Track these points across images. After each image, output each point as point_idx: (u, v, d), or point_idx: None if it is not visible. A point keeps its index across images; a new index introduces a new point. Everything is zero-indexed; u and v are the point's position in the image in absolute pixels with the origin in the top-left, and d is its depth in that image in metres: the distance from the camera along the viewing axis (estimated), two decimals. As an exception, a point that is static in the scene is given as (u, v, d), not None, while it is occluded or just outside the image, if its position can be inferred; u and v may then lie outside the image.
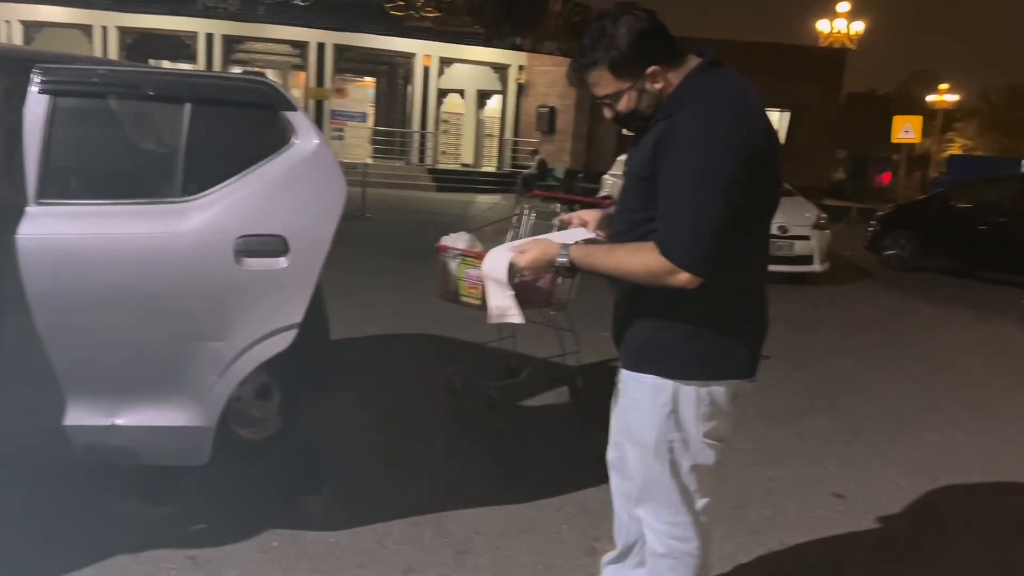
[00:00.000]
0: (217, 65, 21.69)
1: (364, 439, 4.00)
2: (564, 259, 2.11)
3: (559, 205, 5.28)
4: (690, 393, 2.10)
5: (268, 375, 3.40)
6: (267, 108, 2.73)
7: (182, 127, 2.69)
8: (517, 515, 3.32)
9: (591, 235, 2.24)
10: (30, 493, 3.14)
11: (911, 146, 23.47)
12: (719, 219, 1.91)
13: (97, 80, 2.70)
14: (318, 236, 2.66)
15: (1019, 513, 3.86)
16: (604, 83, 2.06)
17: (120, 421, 2.68)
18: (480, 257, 4.28)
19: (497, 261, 2.32)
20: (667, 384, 2.10)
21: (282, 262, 2.65)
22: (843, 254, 12.24)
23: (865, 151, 36.64)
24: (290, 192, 2.69)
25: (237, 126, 2.81)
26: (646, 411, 2.15)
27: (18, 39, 20.87)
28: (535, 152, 22.41)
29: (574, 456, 3.91)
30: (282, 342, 2.68)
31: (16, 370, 2.60)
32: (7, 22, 21.12)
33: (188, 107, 2.69)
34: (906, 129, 17.83)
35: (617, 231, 2.19)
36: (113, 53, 21.26)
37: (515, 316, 2.35)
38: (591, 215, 2.33)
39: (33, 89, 2.62)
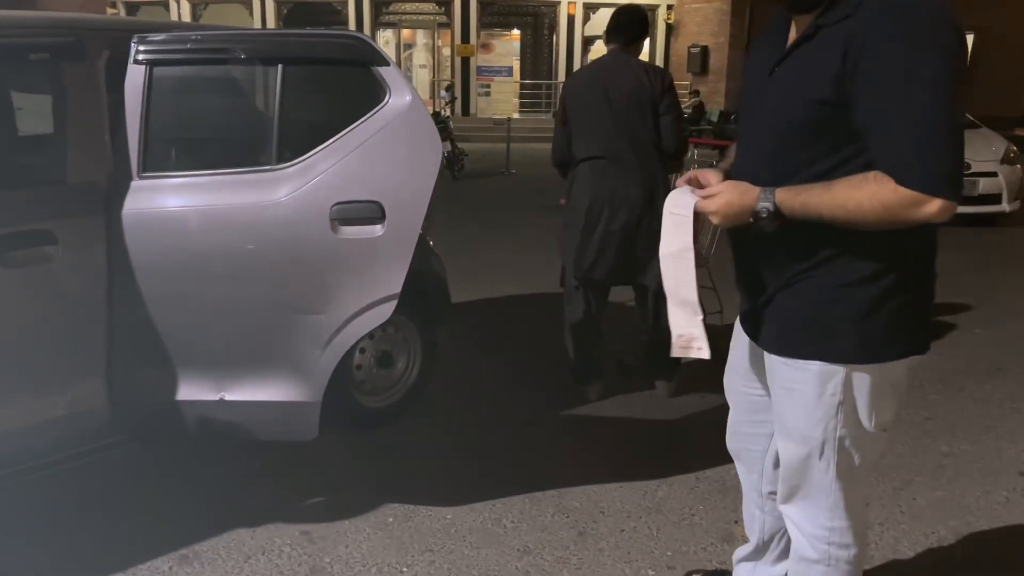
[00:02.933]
0: (367, 28, 22.11)
1: (483, 407, 3.85)
2: (767, 204, 1.66)
3: (695, 152, 4.86)
4: (865, 379, 1.73)
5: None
6: (360, 64, 2.55)
7: (275, 90, 2.57)
8: (646, 493, 3.07)
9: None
10: (153, 464, 3.22)
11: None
12: (960, 134, 1.54)
13: (190, 47, 2.61)
14: (414, 201, 2.48)
15: None
16: None
17: (229, 396, 2.64)
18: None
19: (678, 228, 1.81)
20: (838, 370, 1.72)
21: (378, 229, 2.50)
22: (1039, 191, 10.89)
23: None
24: (385, 154, 2.52)
25: (330, 86, 2.66)
26: (810, 404, 1.77)
27: (186, 16, 22.15)
28: (696, 93, 21.35)
29: (715, 427, 3.58)
30: (382, 314, 2.54)
31: (129, 345, 2.61)
32: (176, 1, 22.45)
33: (280, 68, 2.56)
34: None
35: (763, 183, 1.74)
36: (271, 23, 22.15)
37: (703, 350, 1.87)
38: (712, 176, 1.90)
39: (131, 61, 2.57)
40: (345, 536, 2.74)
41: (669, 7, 23.40)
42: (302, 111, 2.63)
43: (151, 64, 2.57)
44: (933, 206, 1.54)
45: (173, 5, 22.49)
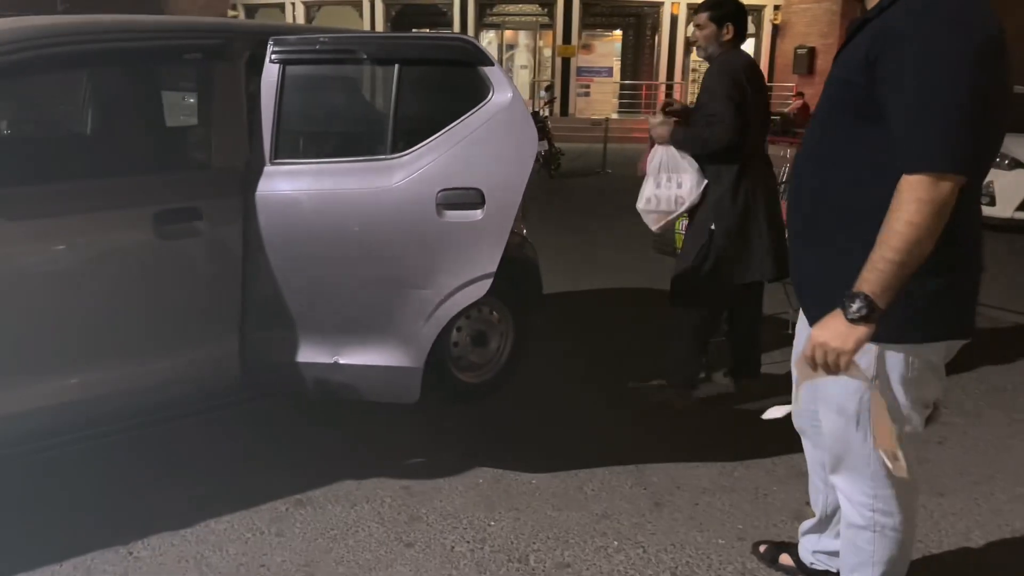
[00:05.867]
0: (471, 29, 22.60)
1: (571, 388, 4.07)
2: (861, 305, 1.71)
3: (791, 152, 4.94)
4: (897, 357, 1.89)
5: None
6: (468, 65, 2.82)
7: (392, 87, 2.87)
8: (723, 472, 3.23)
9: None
10: (274, 420, 3.58)
11: None
12: (967, 115, 1.66)
13: (319, 48, 2.94)
14: (511, 188, 2.73)
15: None
16: None
17: (342, 360, 2.95)
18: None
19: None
20: (870, 348, 1.86)
21: (478, 214, 2.76)
22: None
23: None
24: (487, 146, 2.77)
25: (440, 83, 2.94)
26: (846, 378, 1.92)
27: (300, 17, 23.18)
28: (800, 95, 21.03)
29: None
30: (479, 290, 2.79)
31: (258, 311, 2.96)
32: (292, 3, 23.53)
33: (396, 67, 2.86)
34: None
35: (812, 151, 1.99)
36: (380, 24, 22.93)
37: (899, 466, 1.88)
38: None
39: (267, 59, 2.91)
40: (440, 492, 3.02)
41: (776, 7, 23.01)
42: (414, 106, 2.91)
43: (284, 63, 2.90)
44: (946, 185, 1.65)
45: (289, 7, 23.58)
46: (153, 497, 2.93)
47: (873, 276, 1.70)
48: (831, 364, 1.77)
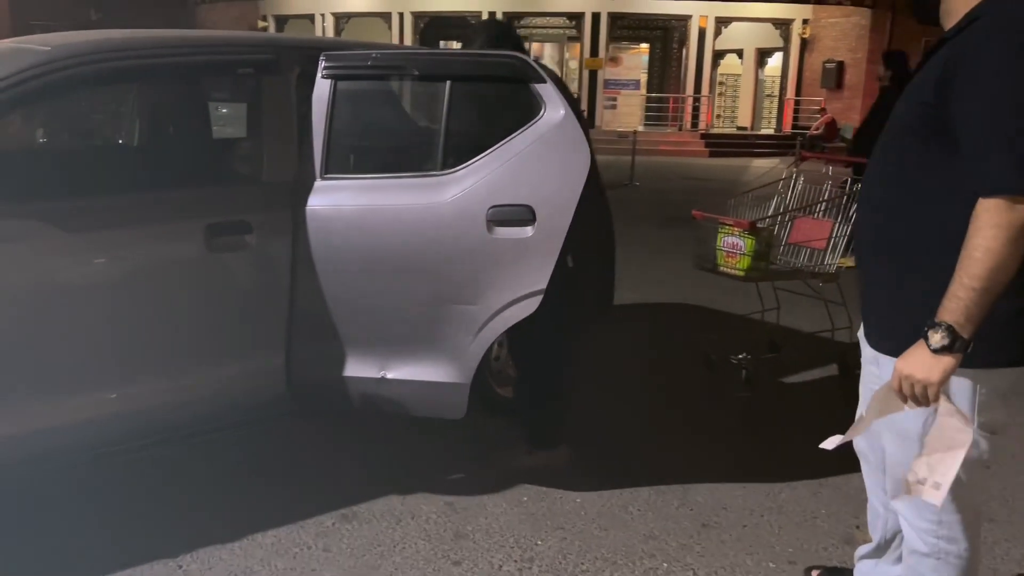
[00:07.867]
0: (498, 41, 22.67)
1: (614, 406, 4.05)
2: (944, 335, 1.68)
3: (830, 168, 4.90)
4: (965, 383, 1.84)
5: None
6: (519, 82, 2.82)
7: (443, 104, 2.86)
8: (769, 494, 3.19)
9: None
10: (320, 436, 3.58)
11: None
12: None
13: (371, 64, 2.95)
14: (562, 205, 2.71)
15: None
16: None
17: (390, 375, 2.95)
18: (738, 225, 4.12)
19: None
20: None
21: (529, 231, 2.75)
22: None
23: None
24: (538, 163, 2.76)
25: (492, 100, 2.93)
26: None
27: (330, 30, 23.40)
28: (823, 110, 20.97)
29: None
30: (528, 307, 2.78)
31: (306, 325, 2.96)
32: (321, 15, 23.76)
33: (448, 84, 2.86)
34: None
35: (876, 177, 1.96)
36: (408, 37, 23.08)
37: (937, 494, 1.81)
38: None
39: (318, 75, 2.93)
40: (484, 509, 3.00)
41: (805, 21, 22.93)
42: (466, 122, 2.91)
43: (336, 79, 2.91)
44: (1022, 205, 1.61)
45: (319, 19, 23.81)
46: (201, 510, 2.94)
47: (954, 304, 1.67)
48: (919, 396, 1.74)
